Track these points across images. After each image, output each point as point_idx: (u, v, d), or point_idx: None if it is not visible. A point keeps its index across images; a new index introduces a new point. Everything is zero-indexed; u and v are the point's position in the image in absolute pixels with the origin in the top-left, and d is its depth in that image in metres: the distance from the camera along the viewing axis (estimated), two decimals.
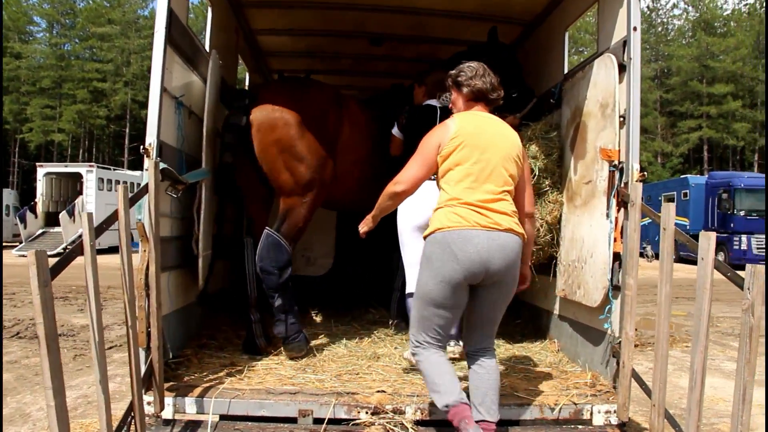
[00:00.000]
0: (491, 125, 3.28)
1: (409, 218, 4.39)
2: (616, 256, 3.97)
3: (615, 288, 3.96)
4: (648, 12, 54.29)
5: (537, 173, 4.77)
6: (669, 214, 3.36)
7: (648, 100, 50.14)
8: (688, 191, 26.55)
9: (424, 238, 3.21)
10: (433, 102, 4.66)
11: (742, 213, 23.48)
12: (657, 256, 21.38)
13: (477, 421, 3.05)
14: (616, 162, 4.01)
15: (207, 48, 5.09)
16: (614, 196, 3.98)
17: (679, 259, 26.04)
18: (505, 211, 3.13)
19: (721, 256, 23.89)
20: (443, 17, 6.16)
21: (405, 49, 7.24)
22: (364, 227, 3.59)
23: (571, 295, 4.57)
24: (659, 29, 54.33)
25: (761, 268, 2.77)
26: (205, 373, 4.04)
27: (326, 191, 4.69)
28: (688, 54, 48.78)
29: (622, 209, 3.93)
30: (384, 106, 5.66)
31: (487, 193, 3.12)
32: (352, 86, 8.63)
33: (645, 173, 3.87)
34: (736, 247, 23.42)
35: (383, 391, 3.75)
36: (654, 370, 3.37)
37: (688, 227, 25.94)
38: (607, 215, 4.02)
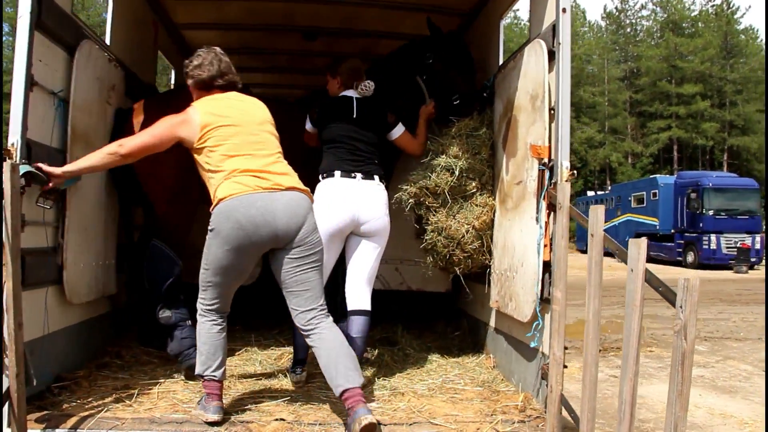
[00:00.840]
0: (234, 101, 3.37)
1: (320, 223, 3.95)
2: (546, 266, 3.56)
3: (545, 301, 3.54)
4: (617, 13, 54.44)
5: (457, 173, 4.33)
6: (597, 218, 2.94)
7: (617, 101, 50.27)
8: (657, 191, 26.45)
9: (210, 211, 3.18)
10: (350, 93, 4.21)
11: (710, 212, 23.43)
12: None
13: (342, 393, 3.07)
14: (546, 160, 3.60)
15: (108, 41, 4.62)
16: (544, 198, 3.56)
17: (650, 259, 25.93)
18: (285, 172, 3.21)
19: (690, 256, 23.88)
20: (376, 8, 5.75)
21: (341, 45, 6.80)
22: None
23: (504, 307, 4.15)
24: (628, 30, 54.49)
25: (695, 282, 2.35)
26: (90, 399, 3.55)
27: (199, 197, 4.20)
28: (656, 54, 48.89)
29: (553, 213, 3.51)
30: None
31: (262, 158, 3.18)
32: (294, 85, 8.17)
33: (575, 172, 3.45)
34: (706, 247, 23.39)
35: (282, 419, 3.29)
36: (582, 397, 2.94)
37: (657, 227, 25.95)
38: (537, 219, 3.60)
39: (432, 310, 6.31)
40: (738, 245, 22.96)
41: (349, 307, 4.05)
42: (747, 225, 23.59)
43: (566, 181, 3.40)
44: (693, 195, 23.83)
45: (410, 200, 4.43)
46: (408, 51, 4.96)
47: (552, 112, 3.62)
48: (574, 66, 48.73)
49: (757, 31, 49.97)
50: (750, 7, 70.60)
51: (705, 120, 47.09)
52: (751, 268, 22.59)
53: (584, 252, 32.64)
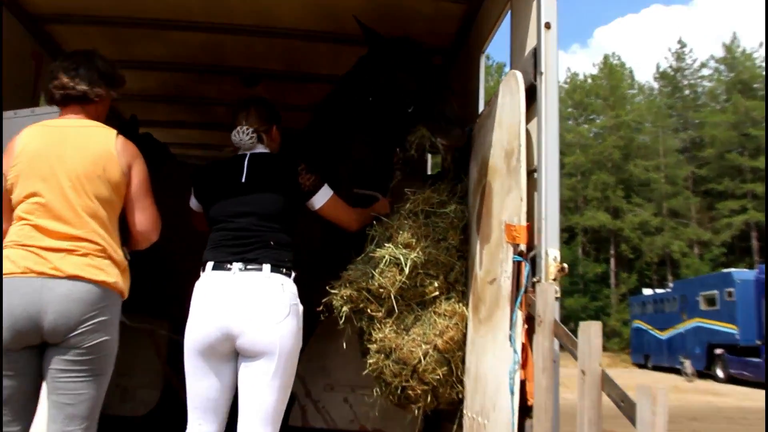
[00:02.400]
0: (64, 138, 3.02)
1: (186, 337, 3.31)
2: (527, 412, 2.76)
3: None
4: (672, 72, 54.70)
5: (407, 270, 3.57)
6: (591, 344, 2.16)
7: (677, 177, 49.65)
8: (733, 290, 24.99)
9: None
10: None
11: None
12: (700, 375, 19.83)
13: None
14: (523, 247, 2.86)
15: None
16: (520, 306, 2.80)
17: (729, 379, 24.40)
18: (74, 249, 2.88)
19: None
20: (322, 42, 5.18)
21: (289, 92, 6.26)
22: None
23: None
24: (686, 92, 54.59)
25: None
26: None
27: None
28: (723, 121, 48.62)
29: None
30: None
31: (52, 231, 2.89)
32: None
33: (566, 267, 2.70)
34: None
35: None
36: None
37: (737, 336, 24.29)
38: (510, 338, 2.82)
39: None
40: None
41: None
42: None
43: (553, 280, 2.65)
44: None
45: (344, 307, 3.66)
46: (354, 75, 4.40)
47: (533, 175, 2.92)
48: (622, 136, 48.71)
49: None
50: None
51: None
52: None
53: (642, 366, 31.21)
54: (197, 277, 3.36)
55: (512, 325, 2.80)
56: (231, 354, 3.26)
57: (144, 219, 3.10)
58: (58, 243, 2.87)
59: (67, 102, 3.10)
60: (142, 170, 3.11)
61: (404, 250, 3.60)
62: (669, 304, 29.89)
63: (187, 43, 5.55)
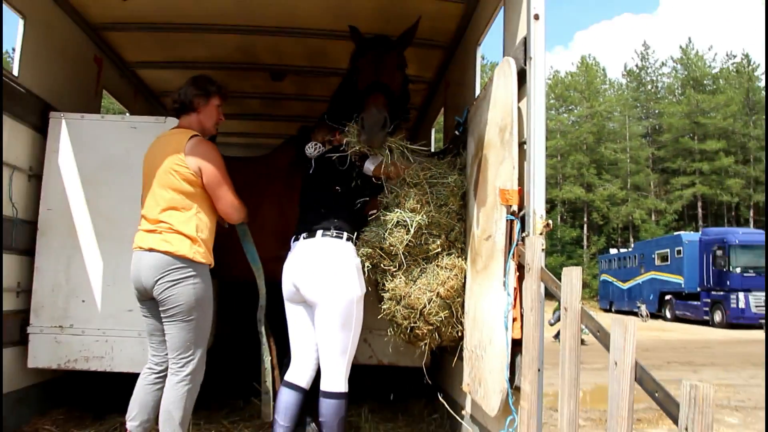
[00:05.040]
0: (159, 143, 3.34)
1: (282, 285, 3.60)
2: (518, 345, 2.69)
3: (518, 390, 2.65)
4: (637, 70, 53.88)
5: (413, 231, 3.49)
6: (572, 286, 2.09)
7: (640, 157, 49.17)
8: (681, 248, 25.38)
9: None
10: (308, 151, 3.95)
11: (738, 270, 22.13)
12: (652, 316, 20.43)
13: None
14: (515, 207, 2.78)
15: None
16: (512, 257, 2.72)
17: (675, 319, 24.80)
18: (154, 230, 3.19)
19: (717, 316, 22.64)
20: (338, 39, 5.02)
21: (312, 85, 6.13)
22: None
23: (474, 393, 3.27)
24: (649, 87, 53.88)
25: (708, 391, 1.48)
26: None
27: None
28: (678, 111, 48.04)
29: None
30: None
31: (148, 215, 3.24)
32: (278, 135, 7.47)
33: (550, 223, 2.61)
34: (734, 306, 22.00)
35: None
36: None
37: (683, 285, 24.77)
38: (504, 284, 2.75)
39: (411, 388, 5.39)
40: None
41: None
42: None
43: (540, 234, 2.57)
44: (719, 252, 22.62)
45: (366, 263, 3.60)
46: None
47: (523, 146, 2.82)
48: (595, 123, 48.23)
49: None
50: None
51: (729, 176, 45.79)
52: None
53: (607, 311, 31.40)
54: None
55: (506, 273, 2.73)
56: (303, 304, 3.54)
57: (221, 206, 3.30)
58: (148, 226, 3.21)
59: (177, 114, 3.42)
60: (210, 165, 3.22)
61: (410, 214, 3.51)
62: (630, 260, 30.33)
63: (224, 44, 5.40)
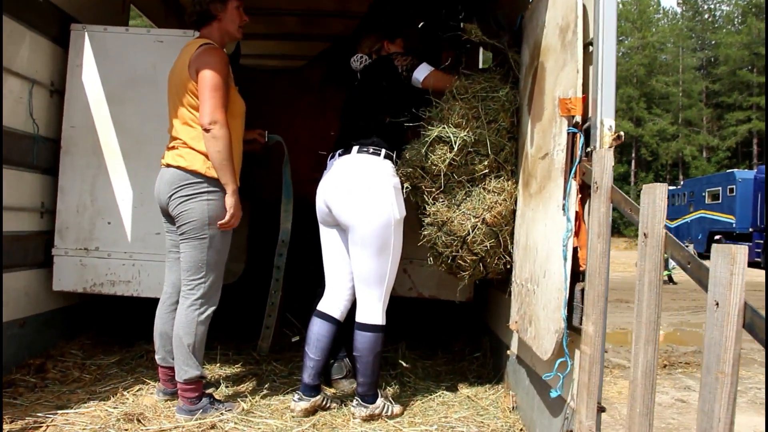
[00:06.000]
0: (178, 57, 3.11)
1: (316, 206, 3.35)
2: (578, 278, 2.32)
3: (576, 330, 2.30)
4: None
5: (456, 148, 3.06)
6: (654, 207, 1.70)
7: (693, 92, 47.00)
8: (734, 186, 24.21)
9: None
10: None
11: None
12: (700, 256, 20.13)
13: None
14: (579, 118, 2.36)
15: None
16: (574, 177, 2.32)
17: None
18: (173, 146, 3.06)
19: None
20: None
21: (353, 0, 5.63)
22: None
23: (523, 332, 2.92)
24: (706, 16, 51.03)
25: None
26: None
27: None
28: (737, 42, 45.47)
29: (588, 198, 2.27)
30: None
31: (170, 131, 3.10)
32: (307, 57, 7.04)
33: (622, 135, 2.19)
34: None
35: None
36: None
37: (734, 225, 23.77)
38: (564, 208, 2.36)
39: (452, 323, 5.09)
40: None
41: None
42: None
43: (609, 147, 2.16)
44: None
45: (406, 183, 3.23)
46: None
47: (589, 48, 2.38)
48: (647, 54, 46.12)
49: None
50: None
51: None
52: None
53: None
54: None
55: (566, 195, 2.33)
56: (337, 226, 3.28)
57: (200, 111, 2.92)
58: (169, 142, 3.08)
59: (196, 25, 3.16)
60: (206, 70, 2.90)
61: (454, 129, 3.09)
62: (679, 198, 29.21)
63: None
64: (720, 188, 25.51)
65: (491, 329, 4.23)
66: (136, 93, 3.90)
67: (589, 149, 2.25)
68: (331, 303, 3.26)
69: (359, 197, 3.01)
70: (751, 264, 22.55)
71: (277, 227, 3.92)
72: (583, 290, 2.26)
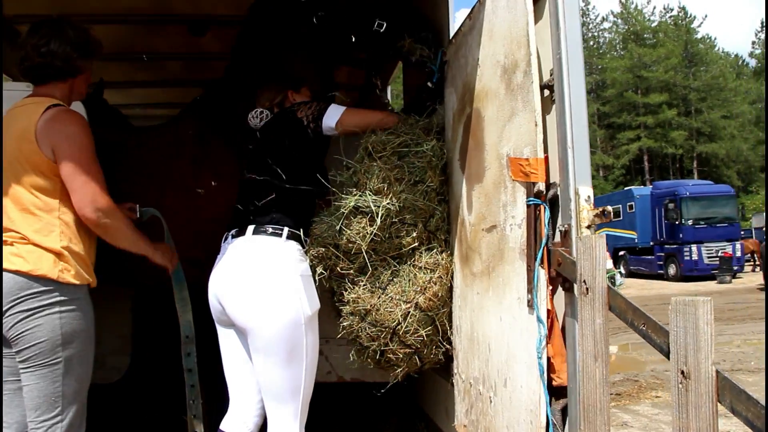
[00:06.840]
0: (8, 120, 2.29)
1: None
2: (558, 393, 1.73)
3: None
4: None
5: (379, 221, 2.44)
6: (698, 326, 1.11)
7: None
8: (633, 203, 25.16)
9: None
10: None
11: (690, 222, 22.02)
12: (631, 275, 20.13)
13: None
14: (542, 186, 1.78)
15: None
16: (542, 263, 1.73)
17: (630, 274, 24.68)
18: (6, 240, 2.21)
19: (672, 269, 22.61)
20: None
21: None
22: None
23: None
24: (591, 43, 53.61)
25: None
26: None
27: None
28: (621, 65, 48.01)
29: (564, 293, 1.68)
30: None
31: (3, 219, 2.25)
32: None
33: (609, 210, 1.62)
34: (687, 258, 21.95)
35: None
36: None
37: (636, 240, 24.62)
38: (532, 305, 1.76)
39: (380, 405, 4.43)
40: (720, 254, 21.51)
41: None
42: (726, 233, 22.23)
43: (588, 227, 1.59)
44: (671, 205, 22.46)
45: (318, 268, 2.55)
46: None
47: (547, 91, 1.82)
48: None
49: (715, 39, 49.65)
50: (706, 16, 70.91)
51: (673, 128, 46.18)
52: (734, 276, 21.17)
53: None
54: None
55: (534, 286, 1.74)
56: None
57: (75, 200, 2.23)
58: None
59: (41, 80, 2.37)
60: (67, 144, 2.22)
61: (375, 197, 2.48)
62: None
63: None
64: (620, 206, 26.33)
65: (428, 415, 3.60)
66: None
67: (561, 227, 1.67)
68: (237, 420, 2.54)
69: (256, 293, 2.31)
70: (655, 276, 23.30)
71: (166, 314, 3.13)
72: (563, 410, 1.67)
